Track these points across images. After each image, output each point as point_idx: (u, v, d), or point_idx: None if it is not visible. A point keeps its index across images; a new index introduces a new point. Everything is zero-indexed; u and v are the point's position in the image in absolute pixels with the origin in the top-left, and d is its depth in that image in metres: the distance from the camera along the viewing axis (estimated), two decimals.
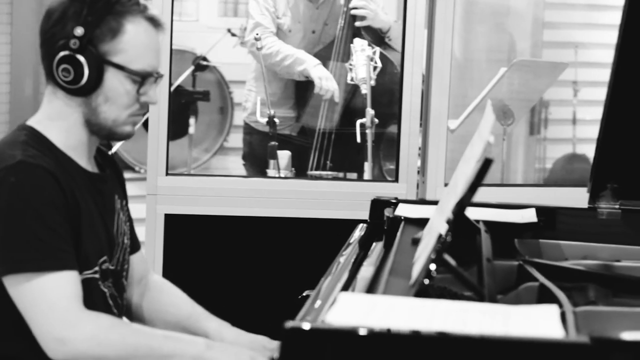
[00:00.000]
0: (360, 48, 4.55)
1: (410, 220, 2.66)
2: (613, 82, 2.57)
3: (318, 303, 2.07)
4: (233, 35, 6.13)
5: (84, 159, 2.34)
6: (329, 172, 4.67)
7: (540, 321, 1.73)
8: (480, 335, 1.63)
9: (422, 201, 3.00)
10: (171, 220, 3.87)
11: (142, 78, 2.28)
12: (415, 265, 2.17)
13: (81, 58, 2.23)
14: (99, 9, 2.25)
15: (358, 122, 4.48)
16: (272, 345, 2.44)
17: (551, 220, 2.76)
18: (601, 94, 7.14)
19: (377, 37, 4.68)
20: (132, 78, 2.28)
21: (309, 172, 4.65)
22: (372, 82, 4.51)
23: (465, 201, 1.92)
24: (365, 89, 4.50)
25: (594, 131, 7.30)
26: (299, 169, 4.66)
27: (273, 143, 4.46)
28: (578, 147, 6.86)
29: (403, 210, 2.73)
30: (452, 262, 1.96)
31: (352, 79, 4.57)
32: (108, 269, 2.34)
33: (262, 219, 3.96)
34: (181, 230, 3.91)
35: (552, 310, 1.78)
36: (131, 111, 2.31)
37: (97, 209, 2.32)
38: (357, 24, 4.64)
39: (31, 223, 2.14)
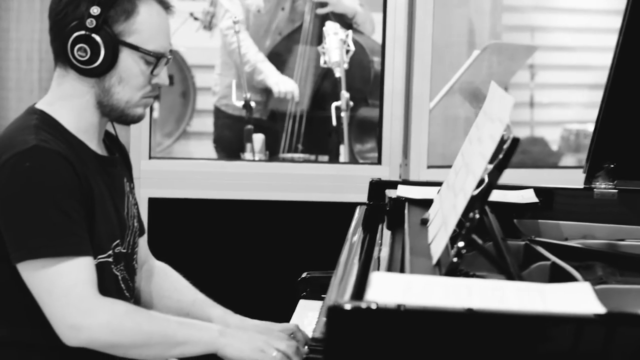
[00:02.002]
0: (333, 31, 4.56)
1: (413, 201, 2.66)
2: (615, 64, 2.59)
3: (344, 284, 2.07)
4: (196, 19, 6.09)
5: (94, 142, 2.32)
6: (301, 155, 4.68)
7: (577, 298, 1.75)
8: (526, 312, 1.65)
9: (406, 181, 2.99)
10: (155, 204, 3.84)
11: (156, 59, 2.27)
12: (432, 244, 2.18)
13: (97, 37, 2.21)
14: None
15: (333, 105, 4.49)
16: (280, 328, 2.43)
17: (548, 200, 2.78)
18: (557, 77, 7.20)
19: (344, 22, 4.69)
20: (146, 58, 2.27)
21: (281, 155, 4.65)
22: (345, 65, 4.52)
23: (493, 181, 1.93)
24: (339, 72, 4.51)
25: (551, 114, 7.38)
26: (270, 152, 4.66)
27: (249, 127, 4.45)
28: (536, 130, 6.93)
29: (404, 192, 2.74)
30: (479, 240, 1.97)
31: (325, 63, 4.57)
32: (120, 253, 2.33)
33: (248, 202, 3.94)
34: (165, 214, 3.88)
35: (586, 287, 1.80)
36: (144, 92, 2.30)
37: (108, 192, 2.31)
38: (319, 11, 4.64)
39: (47, 208, 2.12)
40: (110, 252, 2.28)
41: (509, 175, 4.01)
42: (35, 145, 2.14)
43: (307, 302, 2.80)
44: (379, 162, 3.92)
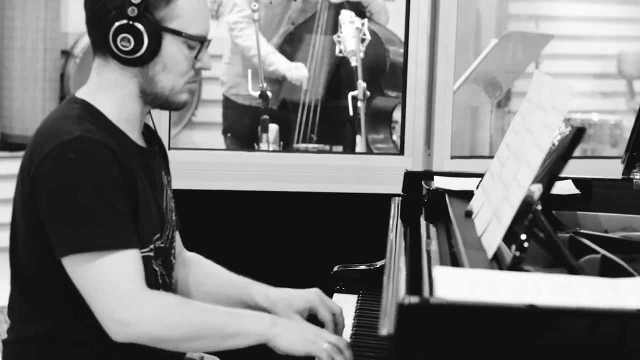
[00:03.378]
0: (349, 20, 4.49)
1: (452, 193, 2.62)
2: None
3: (398, 279, 2.01)
4: None
5: (135, 133, 2.26)
6: (315, 145, 4.62)
7: None
8: (604, 309, 1.60)
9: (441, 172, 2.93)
10: (175, 196, 3.76)
11: (200, 43, 2.22)
12: (483, 238, 2.13)
13: (140, 26, 2.15)
14: None
15: (350, 94, 4.43)
16: (328, 301, 2.41)
17: (586, 191, 2.73)
18: (562, 66, 7.18)
19: (358, 11, 4.63)
20: (189, 43, 2.21)
21: (294, 145, 4.60)
22: (361, 54, 4.47)
23: (557, 172, 1.88)
24: (355, 62, 4.45)
25: None
26: (283, 143, 4.60)
27: (265, 117, 4.39)
28: None
29: (442, 183, 2.68)
30: (541, 234, 1.92)
31: (340, 52, 4.52)
32: (160, 247, 2.27)
33: (270, 193, 3.88)
34: (185, 206, 3.81)
35: None
36: (187, 78, 2.25)
37: (149, 185, 2.25)
38: None
39: (92, 200, 2.06)
40: (152, 246, 2.23)
41: None
42: (80, 135, 2.08)
43: (341, 295, 2.75)
44: (402, 152, 3.86)
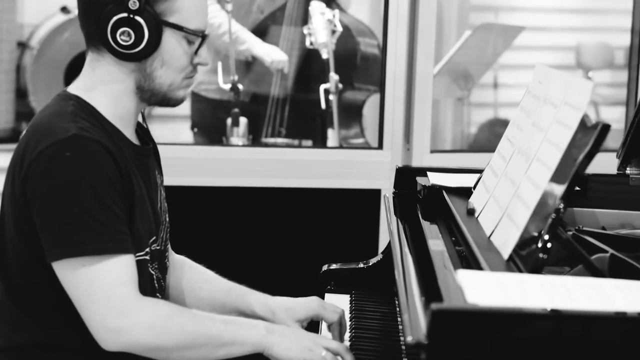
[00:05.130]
0: (319, 11, 4.41)
1: (448, 190, 2.54)
2: None
3: (411, 282, 1.94)
4: None
5: (129, 131, 2.16)
6: (284, 140, 4.53)
7: None
8: None
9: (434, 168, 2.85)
10: None
11: (201, 38, 2.12)
12: (493, 237, 2.06)
13: (140, 19, 2.05)
14: None
15: (322, 87, 4.34)
16: (331, 307, 2.34)
17: (582, 187, 2.68)
18: (521, 57, 7.16)
19: (328, 1, 4.55)
20: (188, 38, 2.12)
21: (263, 140, 4.50)
22: (332, 47, 4.38)
23: (581, 171, 1.81)
24: (326, 54, 4.37)
25: (515, 95, 7.34)
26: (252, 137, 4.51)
27: (236, 110, 4.29)
28: (500, 112, 6.86)
29: (437, 179, 2.61)
30: (563, 235, 1.86)
31: (311, 44, 4.43)
32: (156, 250, 2.18)
33: (247, 189, 3.80)
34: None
35: None
36: (185, 74, 2.15)
37: (144, 185, 2.15)
38: None
39: (88, 202, 1.96)
40: (148, 249, 2.13)
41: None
42: (75, 134, 1.98)
43: (332, 296, 2.67)
44: (380, 146, 3.78)
